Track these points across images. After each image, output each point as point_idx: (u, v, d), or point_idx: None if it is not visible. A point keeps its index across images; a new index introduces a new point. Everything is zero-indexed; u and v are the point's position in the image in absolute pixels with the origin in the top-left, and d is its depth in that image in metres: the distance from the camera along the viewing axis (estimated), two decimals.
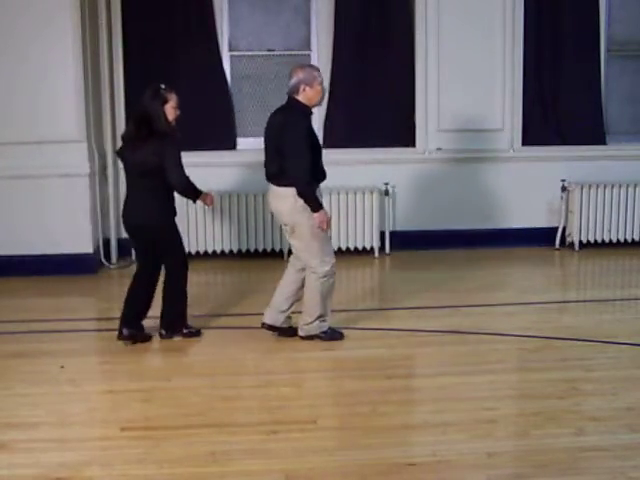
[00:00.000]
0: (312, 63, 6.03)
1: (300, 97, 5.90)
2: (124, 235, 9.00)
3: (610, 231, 9.27)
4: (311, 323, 6.08)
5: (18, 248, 8.12)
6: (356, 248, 9.03)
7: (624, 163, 9.37)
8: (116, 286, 8.26)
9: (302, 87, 5.88)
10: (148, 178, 5.87)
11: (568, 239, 9.38)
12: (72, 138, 8.04)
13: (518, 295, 7.37)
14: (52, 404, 5.01)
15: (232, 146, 9.13)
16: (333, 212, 8.88)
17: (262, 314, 6.26)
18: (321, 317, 6.07)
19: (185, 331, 6.22)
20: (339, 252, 8.89)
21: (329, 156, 8.54)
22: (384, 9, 9.04)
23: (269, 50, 9.24)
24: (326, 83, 9.10)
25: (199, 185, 8.78)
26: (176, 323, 6.21)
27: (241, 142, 9.18)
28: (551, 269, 8.84)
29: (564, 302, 7.37)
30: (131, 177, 6.04)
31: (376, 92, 9.11)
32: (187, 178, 5.94)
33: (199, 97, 8.94)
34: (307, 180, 5.75)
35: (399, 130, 9.23)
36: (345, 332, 6.27)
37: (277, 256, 8.87)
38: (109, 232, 8.85)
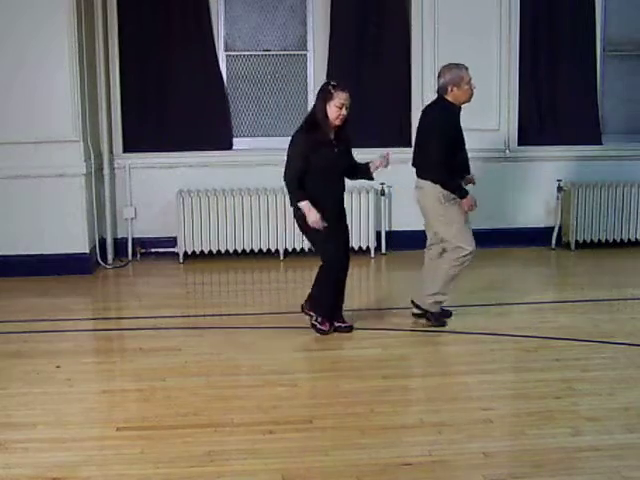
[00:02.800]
0: (458, 63, 6.24)
1: (449, 97, 6.15)
2: (120, 235, 9.07)
3: (606, 231, 9.29)
4: (426, 296, 6.37)
5: (14, 248, 8.11)
6: (352, 248, 9.00)
7: (620, 163, 9.39)
8: (112, 286, 8.27)
9: (450, 88, 6.12)
10: None
11: (564, 239, 9.40)
12: (68, 138, 8.03)
13: (514, 295, 7.37)
14: (48, 404, 5.00)
15: (228, 146, 9.13)
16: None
17: (259, 314, 6.29)
18: (437, 294, 6.34)
19: (314, 322, 6.26)
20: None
21: None
22: (380, 9, 9.05)
23: (265, 50, 9.25)
24: (322, 83, 9.15)
25: (194, 185, 8.89)
26: (316, 308, 6.28)
27: (237, 142, 9.18)
28: (547, 269, 8.85)
29: (560, 302, 7.38)
30: None
31: (372, 92, 9.11)
32: (291, 183, 5.93)
33: (195, 97, 8.97)
34: (444, 173, 6.13)
35: (395, 130, 9.23)
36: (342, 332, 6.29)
37: (273, 256, 8.88)
38: (105, 232, 8.85)
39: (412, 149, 6.57)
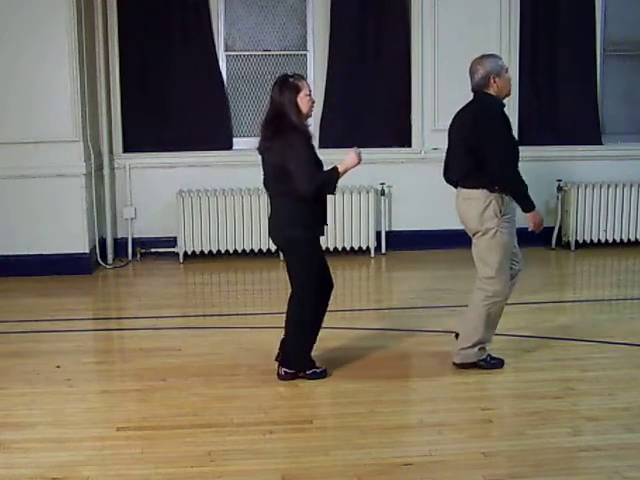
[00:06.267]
0: (490, 53, 5.61)
1: (490, 90, 5.38)
2: (120, 235, 9.07)
3: (606, 231, 9.29)
4: (468, 349, 5.45)
5: (14, 248, 8.12)
6: (352, 248, 9.03)
7: (620, 163, 9.39)
8: (112, 286, 8.27)
9: (492, 79, 5.35)
10: (280, 184, 5.17)
11: (564, 239, 9.40)
12: (68, 138, 8.04)
13: (514, 295, 7.30)
14: (48, 404, 5.00)
15: (228, 146, 9.14)
16: (329, 212, 8.85)
17: (259, 314, 6.27)
18: (481, 344, 5.46)
19: (309, 372, 5.35)
20: (335, 252, 8.92)
21: (325, 156, 8.59)
22: (380, 9, 9.06)
23: (265, 50, 9.25)
24: (322, 83, 9.17)
25: (194, 185, 8.89)
26: (294, 360, 5.35)
27: (237, 142, 9.18)
28: (547, 269, 8.85)
29: (560, 302, 7.37)
30: (268, 183, 5.30)
31: (372, 92, 9.12)
32: (316, 183, 5.08)
33: (195, 97, 8.97)
34: (517, 176, 5.23)
35: (395, 130, 9.25)
36: (341, 332, 6.28)
37: (273, 256, 8.87)
38: (105, 232, 8.85)
39: (444, 160, 5.66)
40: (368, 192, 8.94)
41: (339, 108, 9.14)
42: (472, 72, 5.47)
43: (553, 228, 9.40)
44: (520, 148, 9.41)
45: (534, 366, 5.60)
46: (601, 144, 9.48)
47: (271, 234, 5.44)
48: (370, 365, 5.65)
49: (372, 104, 9.11)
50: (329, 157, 8.63)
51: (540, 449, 4.30)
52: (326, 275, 5.38)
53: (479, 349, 5.46)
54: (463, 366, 5.48)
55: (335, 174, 5.14)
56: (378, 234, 9.11)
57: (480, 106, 5.40)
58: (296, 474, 4.08)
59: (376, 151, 9.15)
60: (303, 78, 5.29)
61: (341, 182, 8.74)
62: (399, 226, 9.24)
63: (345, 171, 5.20)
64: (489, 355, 5.53)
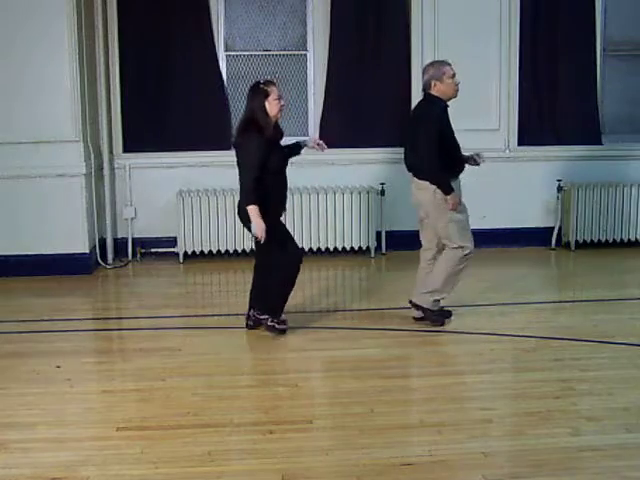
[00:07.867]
0: (442, 59, 6.36)
1: (433, 91, 6.17)
2: (120, 235, 9.08)
3: (606, 231, 9.29)
4: (426, 293, 6.35)
5: (14, 248, 8.12)
6: (352, 248, 9.03)
7: (620, 163, 9.40)
8: (112, 286, 8.27)
9: (433, 83, 6.14)
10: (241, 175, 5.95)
11: (564, 239, 9.40)
12: (68, 138, 8.04)
13: (514, 295, 7.37)
14: (48, 404, 5.00)
15: (228, 146, 9.12)
16: (329, 212, 8.90)
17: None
18: (436, 292, 6.32)
19: (270, 323, 6.17)
20: (335, 252, 8.93)
21: (325, 156, 8.63)
22: (380, 9, 9.06)
23: (265, 50, 9.25)
24: (322, 83, 9.17)
25: (194, 185, 8.89)
26: (273, 312, 6.18)
27: None
28: (547, 269, 8.85)
29: (560, 302, 7.38)
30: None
31: (372, 92, 9.13)
32: (250, 181, 5.79)
33: (195, 97, 8.98)
34: (436, 170, 6.09)
35: (395, 130, 9.23)
36: (341, 332, 6.29)
37: None
38: (105, 232, 8.86)
39: (403, 150, 6.46)
40: (368, 192, 8.95)
41: (339, 108, 9.14)
42: (422, 74, 6.29)
43: (553, 228, 9.40)
44: (520, 148, 9.60)
45: (534, 366, 5.60)
46: (601, 144, 9.49)
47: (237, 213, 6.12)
48: (370, 365, 5.65)
49: (372, 104, 9.11)
50: (329, 157, 8.69)
51: (540, 449, 4.30)
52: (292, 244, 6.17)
53: (434, 300, 6.34)
54: (415, 306, 6.42)
55: (253, 202, 5.77)
56: (378, 234, 9.11)
57: (423, 108, 6.24)
58: (296, 474, 4.08)
59: (376, 151, 9.18)
60: (273, 84, 5.94)
61: (341, 182, 8.88)
62: (399, 226, 9.23)
63: (252, 215, 5.79)
64: (440, 309, 6.45)
